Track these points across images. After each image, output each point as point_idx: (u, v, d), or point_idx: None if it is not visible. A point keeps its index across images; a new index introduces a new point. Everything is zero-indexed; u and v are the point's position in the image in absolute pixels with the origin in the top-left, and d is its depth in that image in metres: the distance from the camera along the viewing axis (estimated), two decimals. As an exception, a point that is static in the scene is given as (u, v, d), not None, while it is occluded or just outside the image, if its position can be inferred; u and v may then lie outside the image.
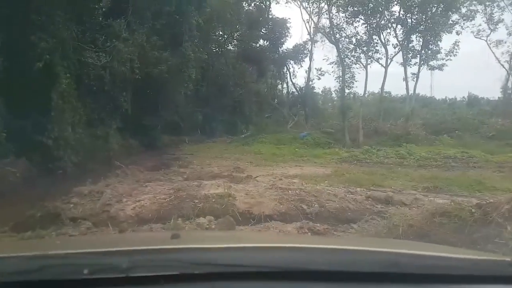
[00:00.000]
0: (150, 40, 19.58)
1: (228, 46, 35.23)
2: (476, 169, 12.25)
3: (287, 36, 31.84)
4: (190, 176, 9.85)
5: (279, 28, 31.08)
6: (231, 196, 6.40)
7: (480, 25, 26.39)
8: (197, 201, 6.18)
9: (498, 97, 30.50)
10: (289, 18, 31.81)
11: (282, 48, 32.41)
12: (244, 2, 31.72)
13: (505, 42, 26.92)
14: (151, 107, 21.90)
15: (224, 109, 34.51)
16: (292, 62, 33.49)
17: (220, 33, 34.14)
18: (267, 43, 32.40)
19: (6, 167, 9.29)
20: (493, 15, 25.74)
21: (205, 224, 5.35)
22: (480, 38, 27.29)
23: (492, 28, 26.51)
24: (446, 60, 25.40)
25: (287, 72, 34.67)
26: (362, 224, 5.53)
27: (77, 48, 13.35)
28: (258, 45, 33.21)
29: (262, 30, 32.05)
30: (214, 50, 34.29)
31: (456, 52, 24.98)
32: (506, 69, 27.93)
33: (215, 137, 29.63)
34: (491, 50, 27.39)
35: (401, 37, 24.94)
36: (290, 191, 6.97)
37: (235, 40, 35.00)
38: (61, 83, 11.45)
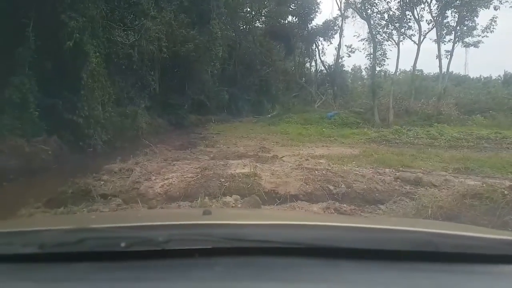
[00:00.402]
0: (177, 18, 19.62)
1: (255, 23, 34.78)
2: (509, 150, 11.89)
3: (317, 12, 30.69)
4: (216, 155, 9.91)
5: (309, 4, 30.10)
6: (257, 175, 6.41)
7: (519, -1, 24.89)
8: (223, 180, 6.21)
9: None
10: (319, -7, 30.87)
11: (311, 25, 31.43)
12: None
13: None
14: (178, 86, 22.10)
15: (250, 88, 34.38)
16: (321, 39, 32.50)
17: (248, 9, 33.73)
18: (296, 19, 31.50)
19: (39, 145, 9.59)
20: (535, -12, 24.15)
21: (231, 202, 5.40)
22: (520, 14, 25.87)
23: (533, 2, 24.92)
24: (482, 37, 24.12)
25: (316, 49, 33.87)
26: (390, 205, 5.43)
27: (106, 26, 13.49)
28: (286, 21, 32.40)
29: (291, 6, 31.23)
30: (242, 28, 33.95)
31: (493, 28, 23.63)
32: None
33: (242, 116, 29.67)
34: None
35: (436, 13, 23.86)
36: (316, 172, 6.89)
37: (263, 17, 34.50)
38: (91, 62, 11.64)
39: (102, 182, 6.40)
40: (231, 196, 5.64)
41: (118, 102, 14.77)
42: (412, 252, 1.12)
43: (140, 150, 10.58)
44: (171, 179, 6.40)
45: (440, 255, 1.12)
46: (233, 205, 5.33)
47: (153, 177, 6.63)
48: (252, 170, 6.68)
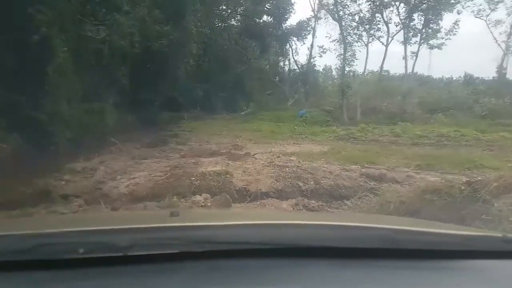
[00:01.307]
0: (151, 13, 19.17)
1: (231, 21, 34.64)
2: (467, 148, 12.31)
3: (291, 12, 31.36)
4: (187, 153, 9.78)
5: (284, 4, 30.57)
6: (229, 173, 6.45)
7: (480, 4, 26.20)
8: (193, 178, 6.17)
9: (493, 77, 30.44)
10: (294, -6, 31.16)
11: (285, 25, 32.00)
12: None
13: (504, 22, 27.12)
14: (150, 82, 21.60)
15: (225, 86, 34.17)
16: (295, 39, 33.11)
17: (224, 7, 33.49)
18: (271, 19, 31.87)
19: (-4, 143, 9.11)
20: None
21: (201, 201, 5.37)
22: (480, 18, 27.19)
23: (492, 8, 26.40)
24: (445, 39, 25.39)
25: (290, 49, 34.34)
26: (356, 200, 5.66)
27: (76, 21, 13.01)
28: (261, 20, 32.65)
29: (267, 6, 31.51)
30: (217, 25, 33.71)
31: (456, 31, 24.98)
32: (502, 49, 28.03)
33: (215, 113, 29.39)
34: (490, 30, 27.54)
35: (403, 16, 24.76)
36: (287, 169, 7.05)
37: (238, 15, 34.37)
38: (58, 56, 11.17)
39: (63, 182, 6.18)
40: (201, 195, 5.59)
41: (85, 98, 14.25)
42: (378, 249, 1.14)
43: (106, 148, 10.23)
44: (137, 179, 6.26)
45: (405, 252, 1.15)
46: (203, 204, 5.28)
47: (119, 177, 6.47)
48: (223, 168, 6.66)
